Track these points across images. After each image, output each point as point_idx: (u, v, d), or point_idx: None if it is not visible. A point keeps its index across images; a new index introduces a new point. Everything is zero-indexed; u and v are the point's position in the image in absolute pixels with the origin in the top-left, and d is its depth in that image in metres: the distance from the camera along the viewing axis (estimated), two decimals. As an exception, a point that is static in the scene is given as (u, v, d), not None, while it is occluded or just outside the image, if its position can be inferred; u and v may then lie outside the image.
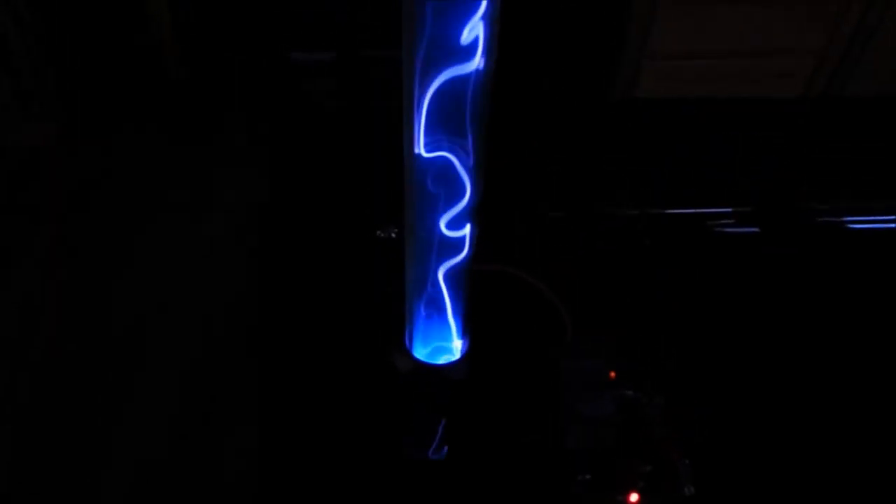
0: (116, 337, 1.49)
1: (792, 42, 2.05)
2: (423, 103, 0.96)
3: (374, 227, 1.58)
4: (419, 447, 1.33)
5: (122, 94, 2.11)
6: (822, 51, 2.07)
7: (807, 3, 1.97)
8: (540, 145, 1.97)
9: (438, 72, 0.93)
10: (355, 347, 1.42)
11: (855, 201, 1.81)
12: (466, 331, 1.31)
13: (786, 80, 2.13)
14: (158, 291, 1.59)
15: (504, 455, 1.28)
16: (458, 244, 1.15)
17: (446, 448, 1.33)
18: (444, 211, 1.10)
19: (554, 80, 2.12)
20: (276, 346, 1.45)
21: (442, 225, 1.11)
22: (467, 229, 1.13)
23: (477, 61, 0.92)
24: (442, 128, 0.99)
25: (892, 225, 1.77)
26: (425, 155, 1.02)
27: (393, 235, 1.54)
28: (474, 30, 0.90)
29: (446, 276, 1.20)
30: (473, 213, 1.11)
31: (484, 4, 0.88)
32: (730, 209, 1.77)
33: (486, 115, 0.99)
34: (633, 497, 1.17)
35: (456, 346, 1.32)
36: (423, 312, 1.26)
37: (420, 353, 1.34)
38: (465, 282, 1.22)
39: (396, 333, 1.35)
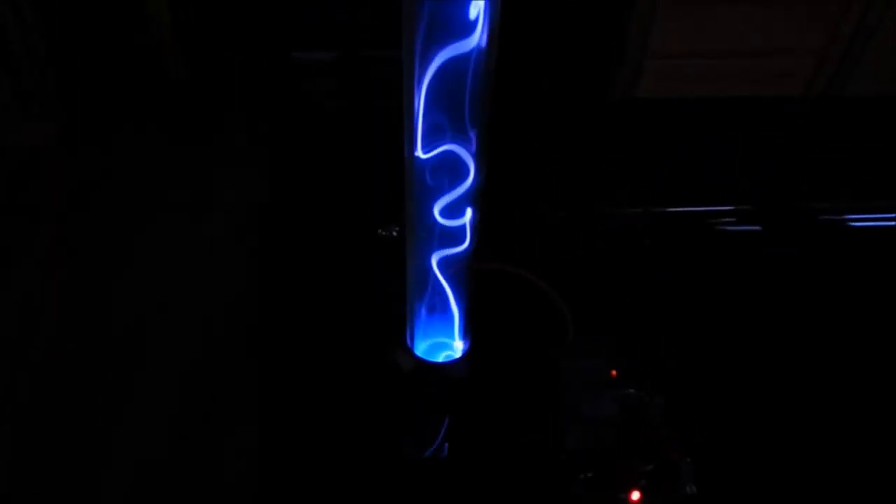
0: (116, 337, 1.49)
1: (792, 42, 2.05)
2: (423, 82, 0.95)
3: (375, 226, 1.58)
4: (419, 447, 1.33)
5: (122, 94, 2.11)
6: (822, 51, 2.07)
7: (807, 3, 1.98)
8: (540, 145, 1.97)
9: (439, 49, 0.91)
10: (355, 347, 1.42)
11: (855, 201, 1.81)
12: (468, 329, 1.31)
13: (786, 80, 2.13)
14: (158, 291, 1.59)
15: (504, 455, 1.28)
16: (458, 234, 1.14)
17: (447, 448, 1.33)
18: (446, 195, 1.08)
19: (554, 80, 2.12)
20: (276, 346, 1.45)
21: (436, 211, 1.10)
22: (468, 216, 1.12)
23: (477, 37, 0.91)
24: (443, 110, 0.98)
25: (893, 223, 1.77)
26: (424, 155, 1.02)
27: (394, 234, 1.54)
28: (476, 6, 0.88)
29: (447, 270, 1.19)
30: (474, 199, 1.10)
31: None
32: (730, 207, 1.77)
33: (487, 96, 0.98)
34: (635, 495, 1.16)
35: (457, 344, 1.32)
36: (424, 308, 1.26)
37: (421, 350, 1.34)
38: (467, 278, 1.22)
39: (398, 332, 1.35)
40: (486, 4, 0.89)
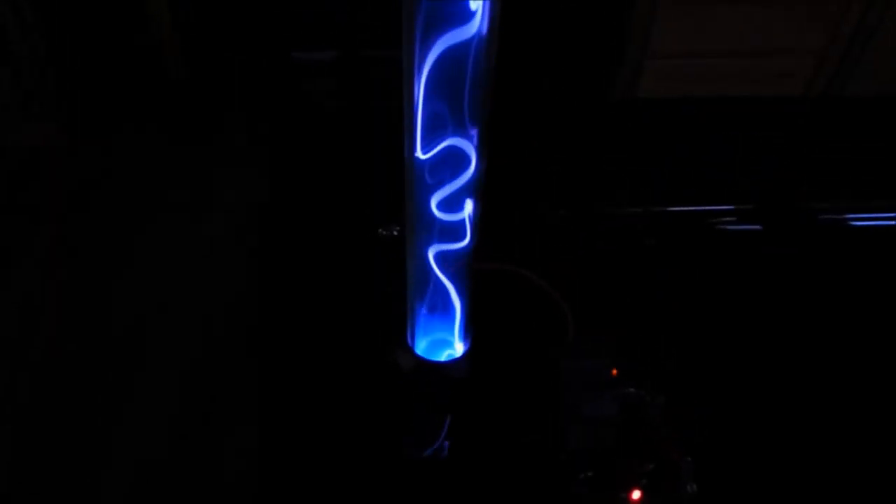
0: (116, 337, 1.49)
1: (792, 42, 2.05)
2: (423, 71, 0.93)
3: (375, 226, 1.58)
4: (419, 447, 1.33)
5: (122, 94, 2.11)
6: (822, 51, 2.07)
7: (807, 3, 1.98)
8: (540, 145, 1.97)
9: (439, 36, 0.90)
10: (356, 347, 1.42)
11: (855, 201, 1.81)
12: (469, 328, 1.31)
13: (786, 80, 2.13)
14: (158, 291, 1.59)
15: (504, 455, 1.28)
16: (458, 230, 1.14)
17: (447, 447, 1.33)
18: (446, 186, 1.07)
19: (554, 80, 2.12)
20: (276, 346, 1.44)
21: (434, 204, 1.09)
22: (468, 209, 1.11)
23: (477, 23, 0.90)
24: (443, 98, 0.97)
25: (893, 223, 1.77)
26: (424, 155, 1.02)
27: (395, 233, 1.53)
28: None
29: (448, 267, 1.19)
30: (475, 191, 1.09)
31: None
32: (731, 207, 1.77)
33: (488, 85, 0.97)
34: (636, 494, 1.16)
35: (458, 343, 1.32)
36: (425, 307, 1.26)
37: (421, 349, 1.33)
38: (468, 276, 1.21)
39: (398, 331, 1.35)
40: None
